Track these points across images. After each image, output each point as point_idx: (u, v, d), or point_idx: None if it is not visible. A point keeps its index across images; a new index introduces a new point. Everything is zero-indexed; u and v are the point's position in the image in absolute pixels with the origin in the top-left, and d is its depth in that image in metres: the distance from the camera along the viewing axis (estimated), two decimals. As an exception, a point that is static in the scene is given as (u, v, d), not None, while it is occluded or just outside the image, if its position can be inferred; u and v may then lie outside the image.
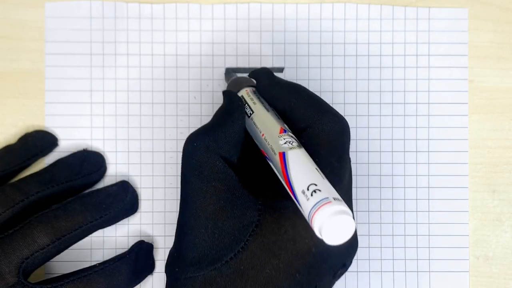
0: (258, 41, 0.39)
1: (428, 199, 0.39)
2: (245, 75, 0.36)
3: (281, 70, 0.39)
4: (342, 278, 0.39)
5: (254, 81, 0.34)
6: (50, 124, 0.39)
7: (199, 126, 0.38)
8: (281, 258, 0.27)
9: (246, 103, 0.32)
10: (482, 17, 0.40)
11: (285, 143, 0.28)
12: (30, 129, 0.38)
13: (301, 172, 0.27)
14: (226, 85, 0.38)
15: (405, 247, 0.39)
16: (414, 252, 0.39)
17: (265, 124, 0.30)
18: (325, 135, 0.30)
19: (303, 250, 0.28)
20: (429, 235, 0.39)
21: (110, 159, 0.39)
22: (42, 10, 0.39)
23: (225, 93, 0.33)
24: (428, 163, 0.39)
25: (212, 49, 0.39)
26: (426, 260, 0.39)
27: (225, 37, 0.39)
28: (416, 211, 0.39)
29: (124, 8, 0.39)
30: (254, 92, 0.33)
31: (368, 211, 0.39)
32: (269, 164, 0.30)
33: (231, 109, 0.31)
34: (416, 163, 0.39)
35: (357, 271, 0.39)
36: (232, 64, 0.39)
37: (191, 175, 0.29)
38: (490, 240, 0.39)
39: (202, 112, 0.39)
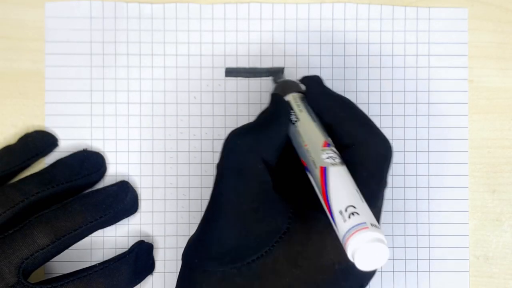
0: (258, 41, 0.39)
1: (428, 199, 0.39)
2: (295, 79, 0.35)
3: (281, 70, 0.39)
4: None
5: (304, 87, 0.33)
6: (50, 124, 0.39)
7: (199, 126, 0.38)
8: (303, 270, 0.27)
9: (292, 109, 0.31)
10: (482, 17, 0.40)
11: (327, 158, 0.28)
12: (30, 129, 0.38)
13: (341, 192, 0.26)
14: (273, 86, 0.37)
15: (405, 247, 0.39)
16: (414, 252, 0.39)
17: (309, 135, 0.30)
18: (370, 157, 0.29)
19: (327, 266, 0.27)
20: (429, 235, 0.39)
21: (110, 159, 0.39)
22: (42, 10, 0.39)
23: (273, 95, 0.32)
24: (428, 163, 0.39)
25: (212, 49, 0.39)
26: (426, 260, 0.39)
27: (225, 37, 0.39)
28: (416, 211, 0.39)
29: (124, 8, 0.39)
30: (302, 99, 0.32)
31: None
32: (307, 175, 0.30)
33: (278, 114, 0.31)
34: (416, 163, 0.39)
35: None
36: (232, 64, 0.39)
37: (228, 172, 0.29)
38: (490, 240, 0.39)
39: (202, 112, 0.39)
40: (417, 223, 0.39)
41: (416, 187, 0.39)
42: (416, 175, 0.39)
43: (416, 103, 0.39)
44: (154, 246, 0.38)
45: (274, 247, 0.27)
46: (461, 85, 0.39)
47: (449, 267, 0.39)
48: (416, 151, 0.39)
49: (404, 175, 0.39)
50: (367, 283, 0.30)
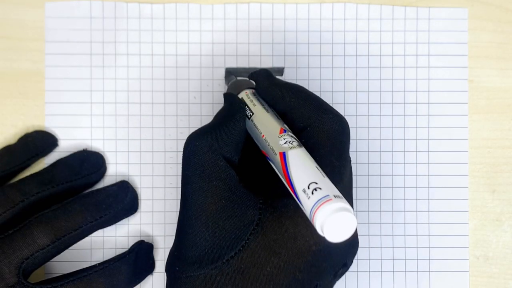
0: (258, 41, 0.39)
1: (428, 199, 0.39)
2: (245, 77, 0.36)
3: (281, 70, 0.39)
4: (342, 278, 0.39)
5: (254, 83, 0.34)
6: (50, 124, 0.39)
7: (199, 126, 0.38)
8: (282, 257, 0.28)
9: (246, 105, 0.32)
10: (482, 17, 0.40)
11: (285, 143, 0.29)
12: (30, 129, 0.38)
13: (302, 171, 0.27)
14: (226, 86, 0.38)
15: (405, 247, 0.39)
16: (414, 252, 0.39)
17: (265, 125, 0.30)
18: (325, 134, 0.30)
19: (304, 249, 0.28)
20: (429, 235, 0.39)
21: (110, 159, 0.39)
22: (42, 10, 0.39)
23: (225, 95, 0.33)
24: (428, 163, 0.39)
25: (212, 49, 0.39)
26: (426, 260, 0.39)
27: (225, 37, 0.39)
28: (416, 211, 0.39)
29: (124, 8, 0.39)
30: (254, 94, 0.33)
31: (368, 211, 0.39)
32: (270, 165, 0.30)
33: (232, 111, 0.31)
34: (416, 163, 0.39)
35: (357, 271, 0.39)
36: (232, 64, 0.39)
37: (192, 174, 0.29)
38: (490, 240, 0.39)
39: (202, 112, 0.39)
40: (417, 223, 0.39)
41: (416, 187, 0.39)
42: (416, 175, 0.39)
43: (416, 103, 0.39)
44: (154, 246, 0.38)
45: (250, 240, 0.28)
46: (461, 85, 0.39)
47: (449, 267, 0.39)
48: (416, 151, 0.39)
49: (404, 175, 0.39)
50: (351, 261, 0.30)
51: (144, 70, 0.39)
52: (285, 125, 0.30)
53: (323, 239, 0.25)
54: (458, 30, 0.40)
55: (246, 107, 0.32)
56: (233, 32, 0.39)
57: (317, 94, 0.39)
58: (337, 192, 0.25)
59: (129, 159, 0.39)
